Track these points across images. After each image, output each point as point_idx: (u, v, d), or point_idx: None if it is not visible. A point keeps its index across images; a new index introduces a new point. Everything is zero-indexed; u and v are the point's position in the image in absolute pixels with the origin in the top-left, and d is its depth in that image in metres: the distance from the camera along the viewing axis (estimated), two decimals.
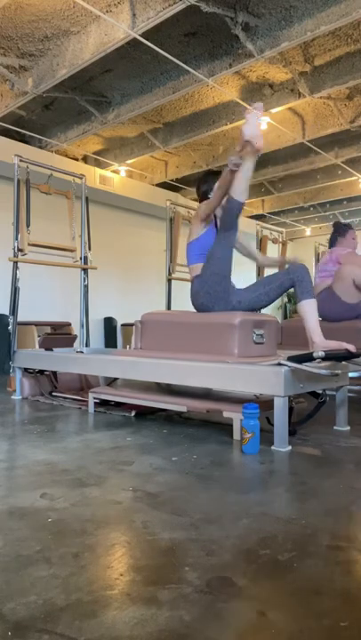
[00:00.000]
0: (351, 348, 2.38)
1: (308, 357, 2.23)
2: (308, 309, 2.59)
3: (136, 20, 3.60)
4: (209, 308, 2.77)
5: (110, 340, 7.63)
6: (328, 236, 4.26)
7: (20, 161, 3.74)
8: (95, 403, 3.05)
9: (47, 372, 3.68)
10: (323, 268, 3.92)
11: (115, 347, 7.58)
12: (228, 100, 5.11)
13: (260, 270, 5.91)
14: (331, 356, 2.30)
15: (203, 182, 3.01)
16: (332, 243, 4.11)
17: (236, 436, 2.26)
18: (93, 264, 4.29)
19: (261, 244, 6.04)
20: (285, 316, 7.22)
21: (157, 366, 2.64)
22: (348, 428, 2.54)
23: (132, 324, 3.60)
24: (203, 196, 2.99)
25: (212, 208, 2.82)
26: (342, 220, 9.88)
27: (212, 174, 3.02)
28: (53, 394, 3.62)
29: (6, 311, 3.79)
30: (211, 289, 2.73)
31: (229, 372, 2.32)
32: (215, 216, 2.90)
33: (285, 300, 8.32)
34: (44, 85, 4.47)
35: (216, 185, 2.82)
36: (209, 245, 2.81)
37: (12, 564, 1.09)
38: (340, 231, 4.07)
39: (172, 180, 7.51)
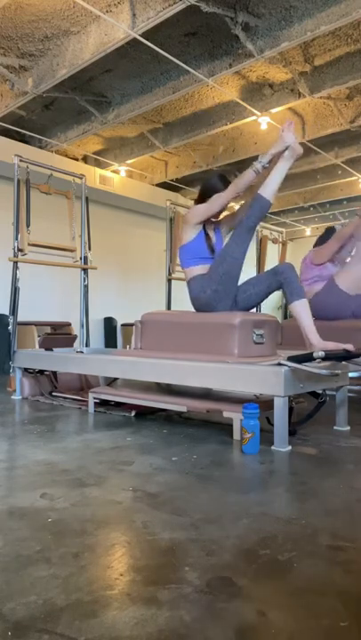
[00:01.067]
0: (350, 347, 2.38)
1: (308, 357, 2.23)
2: (301, 310, 2.56)
3: (136, 20, 3.60)
4: (213, 306, 2.75)
5: (110, 340, 7.63)
6: None
7: (20, 161, 3.74)
8: (95, 403, 3.05)
9: (47, 372, 3.68)
10: (303, 278, 3.89)
11: (115, 347, 7.58)
12: (228, 100, 5.11)
13: (259, 266, 5.92)
14: (331, 357, 2.30)
15: (212, 185, 2.90)
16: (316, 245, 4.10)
17: (236, 435, 2.26)
18: (93, 264, 4.29)
19: (261, 244, 6.04)
20: (285, 316, 7.22)
21: (157, 366, 2.64)
22: (348, 428, 2.54)
23: (132, 324, 3.60)
24: (201, 198, 2.93)
25: (213, 212, 2.79)
26: (342, 221, 9.89)
27: (224, 182, 2.90)
28: (53, 394, 3.62)
29: (6, 311, 3.79)
30: (220, 287, 2.71)
31: (229, 372, 2.32)
32: (205, 221, 2.83)
33: (285, 300, 8.31)
34: (44, 85, 4.47)
35: (232, 187, 2.72)
36: (203, 249, 2.79)
37: (12, 564, 1.09)
38: (326, 236, 4.03)
39: (172, 180, 7.51)
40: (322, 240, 4.05)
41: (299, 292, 2.58)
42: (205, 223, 2.86)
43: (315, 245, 4.11)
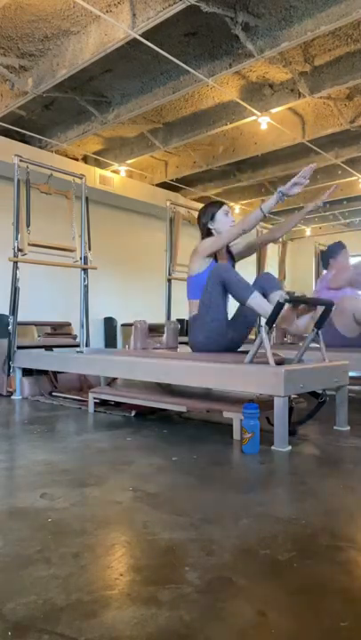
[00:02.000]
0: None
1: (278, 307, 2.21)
2: (254, 304, 2.50)
3: (136, 20, 3.60)
4: (207, 348, 2.79)
5: (110, 340, 7.63)
6: (328, 236, 4.23)
7: (20, 161, 3.74)
8: (95, 403, 3.05)
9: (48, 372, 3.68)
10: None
11: (115, 347, 7.58)
12: (228, 100, 5.11)
13: (259, 266, 5.92)
14: (293, 299, 2.32)
15: (202, 215, 2.95)
16: (325, 265, 4.00)
17: (236, 435, 2.26)
18: (93, 264, 4.29)
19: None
20: None
21: (157, 366, 2.64)
22: (348, 427, 2.54)
23: (132, 324, 3.60)
24: (204, 229, 2.93)
25: (221, 246, 2.77)
26: (341, 220, 9.89)
27: (210, 205, 2.97)
28: (53, 394, 3.63)
29: (6, 311, 3.79)
30: (212, 333, 2.74)
31: (229, 371, 2.32)
32: (216, 253, 2.83)
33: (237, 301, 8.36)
34: (44, 85, 4.47)
35: (239, 224, 2.72)
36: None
37: (12, 564, 1.09)
38: (331, 253, 3.95)
39: (172, 180, 7.51)
40: (330, 254, 3.94)
41: (244, 289, 2.52)
42: (217, 255, 2.85)
43: (323, 259, 4.01)
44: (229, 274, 2.59)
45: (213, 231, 2.90)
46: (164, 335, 3.78)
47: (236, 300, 2.64)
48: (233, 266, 2.95)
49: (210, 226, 2.90)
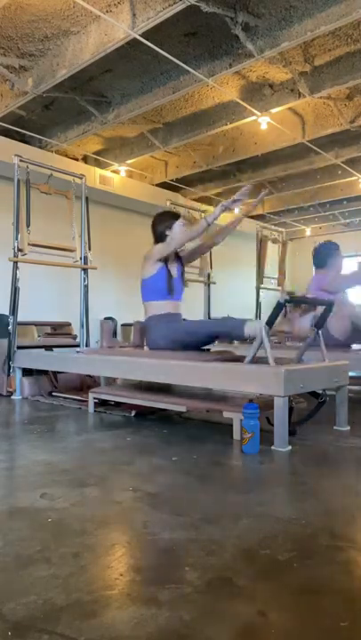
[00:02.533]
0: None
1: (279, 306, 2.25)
2: (251, 331, 2.58)
3: (136, 19, 3.60)
4: (162, 347, 2.90)
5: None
6: (328, 236, 4.21)
7: (20, 161, 3.74)
8: (95, 403, 3.05)
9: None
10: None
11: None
12: (228, 100, 5.11)
13: (259, 266, 5.92)
14: (293, 300, 2.39)
15: (159, 223, 3.10)
16: (318, 263, 3.92)
17: (236, 435, 2.26)
18: (93, 264, 4.29)
19: (261, 245, 6.04)
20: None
21: (157, 366, 2.64)
22: (348, 428, 2.54)
23: (132, 324, 3.61)
24: (159, 237, 3.08)
25: (170, 251, 2.95)
26: (341, 220, 9.88)
27: (169, 215, 3.17)
28: (53, 394, 3.63)
29: (6, 311, 3.79)
30: (179, 339, 2.87)
31: (229, 372, 2.32)
32: (167, 258, 2.99)
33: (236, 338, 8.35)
34: (44, 85, 4.47)
35: (186, 232, 2.95)
36: (160, 284, 2.94)
37: (12, 564, 1.09)
38: (331, 253, 3.87)
39: (172, 180, 7.51)
40: (327, 253, 3.87)
41: (234, 327, 2.67)
42: (167, 259, 3.00)
43: (318, 258, 3.93)
44: (224, 327, 2.84)
45: (168, 238, 3.03)
46: (132, 334, 3.89)
47: (235, 337, 2.89)
48: (182, 269, 3.13)
49: (167, 232, 3.04)
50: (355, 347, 3.63)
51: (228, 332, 2.81)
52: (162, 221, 3.10)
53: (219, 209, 2.82)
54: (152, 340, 2.97)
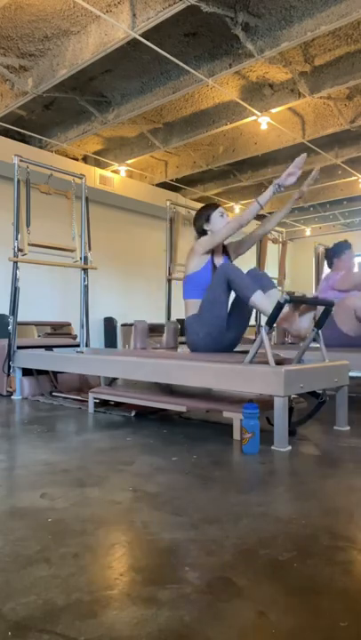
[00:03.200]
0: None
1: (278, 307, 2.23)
2: (257, 302, 2.52)
3: (136, 19, 3.60)
4: (207, 346, 2.80)
5: (110, 340, 7.63)
6: (328, 236, 4.22)
7: (20, 161, 3.74)
8: (95, 403, 3.05)
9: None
10: (323, 297, 3.80)
11: (115, 347, 7.58)
12: (228, 100, 5.11)
13: (260, 266, 5.91)
14: (294, 299, 2.32)
15: (197, 219, 2.97)
16: (330, 265, 3.96)
17: (236, 436, 2.26)
18: (93, 264, 4.29)
19: (261, 245, 6.04)
20: None
21: (157, 366, 2.64)
22: (348, 427, 2.54)
23: (132, 324, 3.60)
24: (199, 231, 2.96)
25: (218, 242, 2.79)
26: (342, 220, 9.88)
27: (206, 208, 2.99)
28: (53, 394, 3.63)
29: (6, 311, 3.79)
30: (213, 329, 2.75)
31: (229, 372, 2.32)
32: (213, 251, 2.86)
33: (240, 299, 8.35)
34: (44, 85, 4.47)
35: (236, 219, 2.75)
36: (206, 281, 2.77)
37: (12, 564, 1.09)
38: (336, 253, 3.90)
39: (172, 180, 7.51)
40: (334, 253, 3.90)
41: (248, 287, 2.54)
42: (214, 252, 2.86)
43: (327, 258, 3.97)
44: (235, 272, 2.62)
45: (209, 232, 2.92)
46: (164, 335, 3.78)
47: (240, 298, 2.65)
48: (227, 259, 2.98)
49: (205, 227, 2.93)
50: None
51: (238, 289, 2.60)
52: (199, 216, 2.95)
53: (271, 189, 2.66)
54: (192, 340, 2.84)
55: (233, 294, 2.72)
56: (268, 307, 2.45)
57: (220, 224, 2.88)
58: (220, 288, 2.66)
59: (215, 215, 2.90)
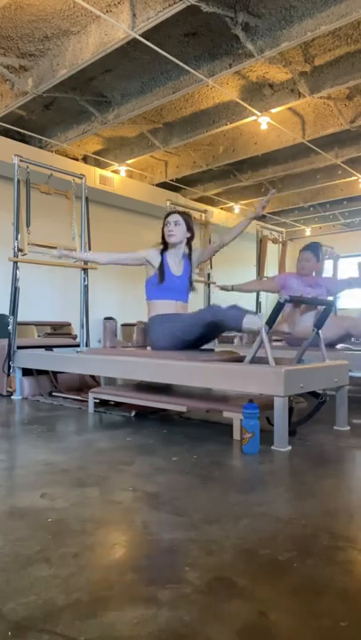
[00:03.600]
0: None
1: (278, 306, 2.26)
2: (250, 325, 2.54)
3: (136, 20, 3.60)
4: (167, 345, 2.86)
5: None
6: (328, 236, 4.20)
7: (20, 161, 3.74)
8: (95, 403, 3.05)
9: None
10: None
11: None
12: (228, 100, 5.11)
13: (259, 266, 5.91)
14: (293, 299, 2.36)
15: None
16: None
17: (236, 436, 2.26)
18: (93, 264, 4.28)
19: (261, 244, 6.04)
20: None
21: (157, 366, 2.64)
22: (348, 427, 2.54)
23: (132, 324, 3.62)
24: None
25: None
26: (342, 220, 9.88)
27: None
28: (53, 394, 3.63)
29: (6, 311, 3.79)
30: (179, 334, 2.82)
31: (229, 372, 2.32)
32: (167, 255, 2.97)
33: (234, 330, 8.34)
34: (44, 85, 4.47)
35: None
36: (157, 280, 2.90)
37: (12, 564, 1.09)
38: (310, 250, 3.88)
39: (172, 180, 7.51)
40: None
41: (236, 318, 2.58)
42: (168, 257, 2.99)
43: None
44: (222, 312, 2.65)
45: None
46: (134, 334, 3.89)
47: (233, 328, 2.70)
48: (190, 269, 3.05)
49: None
50: (339, 346, 3.64)
51: (226, 322, 2.65)
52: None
53: (246, 223, 2.84)
54: (153, 341, 2.95)
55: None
56: (259, 322, 2.47)
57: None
58: (199, 325, 2.73)
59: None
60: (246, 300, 5.54)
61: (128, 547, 1.19)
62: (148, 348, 3.14)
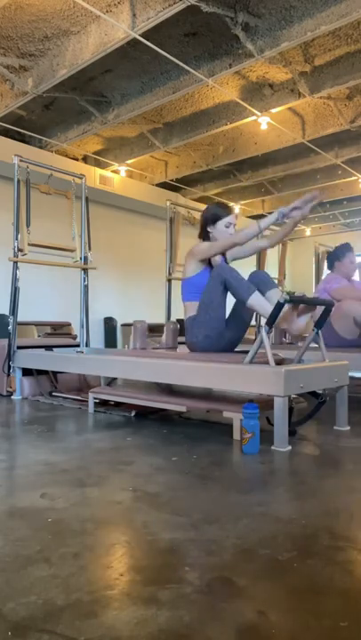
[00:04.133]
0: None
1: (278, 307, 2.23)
2: (255, 304, 2.51)
3: (136, 19, 3.60)
4: (206, 348, 2.78)
5: (110, 340, 7.63)
6: (328, 236, 4.19)
7: (20, 161, 3.74)
8: (95, 403, 3.05)
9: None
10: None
11: (115, 347, 7.58)
12: (228, 100, 5.11)
13: (259, 266, 5.92)
14: (294, 299, 2.32)
15: (205, 216, 2.89)
16: (330, 266, 3.88)
17: (236, 436, 2.26)
18: (93, 264, 4.29)
19: None
20: None
21: (157, 366, 2.64)
22: (348, 427, 2.54)
23: (132, 324, 3.61)
24: (203, 233, 2.91)
25: (213, 255, 2.78)
26: (342, 220, 9.88)
27: (217, 208, 2.90)
28: (53, 394, 3.63)
29: (6, 311, 3.79)
30: (211, 332, 2.74)
31: (229, 372, 2.32)
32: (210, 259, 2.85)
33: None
34: (44, 85, 4.47)
35: (233, 237, 2.72)
36: (203, 284, 2.76)
37: (12, 564, 1.09)
38: (337, 254, 3.82)
39: (172, 180, 7.51)
40: (335, 256, 3.81)
41: (244, 288, 2.53)
42: (211, 260, 2.86)
43: (328, 259, 3.89)
44: (231, 274, 2.60)
45: (211, 236, 2.88)
46: (164, 335, 3.78)
47: (237, 300, 2.65)
48: (224, 259, 2.95)
49: (208, 229, 2.88)
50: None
51: (236, 291, 2.57)
52: (209, 214, 2.87)
53: (275, 215, 2.60)
54: (191, 342, 2.85)
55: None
56: (267, 308, 2.43)
57: (223, 235, 2.84)
58: (217, 289, 2.65)
59: (222, 223, 2.84)
60: None
61: (128, 547, 1.19)
62: (179, 349, 3.07)
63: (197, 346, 2.83)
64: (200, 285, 2.78)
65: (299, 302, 2.44)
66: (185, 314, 2.90)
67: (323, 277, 3.96)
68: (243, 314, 2.82)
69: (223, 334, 2.77)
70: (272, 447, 2.11)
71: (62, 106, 5.29)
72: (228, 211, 2.92)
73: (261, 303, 2.51)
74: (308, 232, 10.57)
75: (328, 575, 1.05)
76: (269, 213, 2.90)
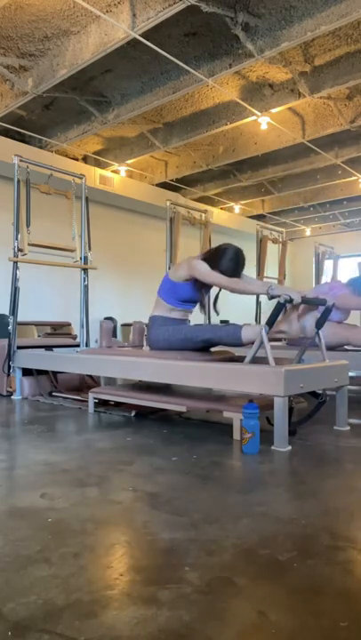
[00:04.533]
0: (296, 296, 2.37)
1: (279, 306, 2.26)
2: (249, 335, 2.55)
3: (136, 19, 3.60)
4: (168, 346, 2.84)
5: None
6: (328, 236, 4.13)
7: (20, 161, 3.74)
8: (95, 403, 3.05)
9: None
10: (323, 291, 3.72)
11: None
12: (228, 100, 5.11)
13: (259, 266, 5.92)
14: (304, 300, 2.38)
15: (220, 254, 2.76)
16: (358, 292, 3.72)
17: (236, 436, 2.26)
18: (93, 264, 4.29)
19: (261, 245, 6.05)
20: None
21: (157, 366, 2.64)
22: (348, 427, 2.54)
23: (131, 324, 3.62)
24: (212, 258, 2.79)
25: (207, 283, 2.76)
26: (342, 220, 9.88)
27: (235, 258, 2.76)
28: (53, 394, 3.63)
29: (6, 311, 3.79)
30: (174, 341, 2.81)
31: (229, 372, 2.32)
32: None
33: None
34: (44, 85, 4.47)
35: (233, 282, 2.67)
36: (183, 294, 2.82)
37: (12, 564, 1.09)
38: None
39: (172, 180, 7.51)
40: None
41: (233, 335, 2.58)
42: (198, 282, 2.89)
43: (352, 283, 3.76)
44: (215, 332, 2.67)
45: (217, 271, 2.74)
46: (130, 334, 3.89)
47: (230, 344, 2.69)
48: (209, 290, 2.95)
49: (212, 264, 2.76)
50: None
51: (225, 338, 2.66)
52: (226, 259, 2.74)
53: (283, 293, 2.39)
54: (152, 340, 2.94)
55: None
56: (257, 330, 2.44)
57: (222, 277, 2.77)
58: (195, 342, 2.76)
59: (229, 264, 2.76)
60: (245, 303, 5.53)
61: (128, 547, 1.19)
62: (145, 347, 3.12)
63: (157, 345, 2.90)
64: (180, 293, 2.84)
65: (299, 302, 2.44)
66: (154, 307, 2.96)
67: (326, 280, 3.93)
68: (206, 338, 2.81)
69: (185, 345, 2.84)
70: (272, 447, 2.11)
71: (62, 106, 5.29)
72: (241, 262, 2.80)
73: (254, 330, 2.54)
74: (308, 232, 10.57)
75: (328, 575, 1.05)
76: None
